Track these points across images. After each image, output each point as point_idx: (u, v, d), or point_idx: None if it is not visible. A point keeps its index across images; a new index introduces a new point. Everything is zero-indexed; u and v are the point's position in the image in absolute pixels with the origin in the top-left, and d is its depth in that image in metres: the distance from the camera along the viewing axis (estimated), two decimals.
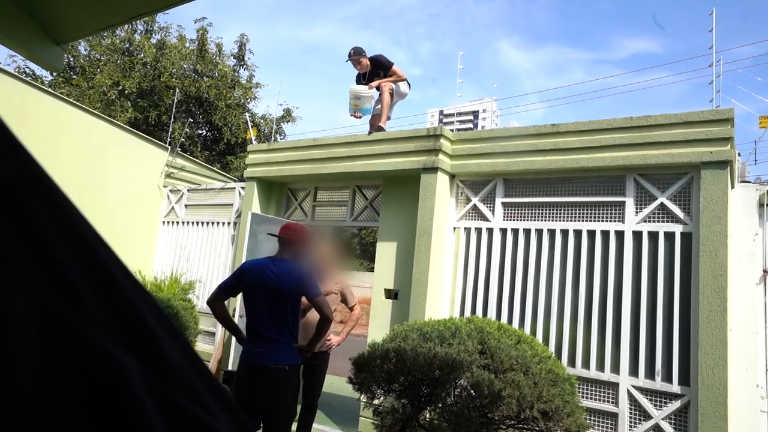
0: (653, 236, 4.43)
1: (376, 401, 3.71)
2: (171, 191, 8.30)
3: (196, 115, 14.20)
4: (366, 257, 32.95)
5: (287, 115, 15.63)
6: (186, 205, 8.09)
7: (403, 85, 6.15)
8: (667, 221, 4.40)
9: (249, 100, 15.29)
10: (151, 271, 7.91)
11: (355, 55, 6.01)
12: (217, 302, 3.41)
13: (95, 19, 3.94)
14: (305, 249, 3.68)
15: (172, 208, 8.21)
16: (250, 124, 8.21)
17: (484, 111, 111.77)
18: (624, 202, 4.57)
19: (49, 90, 7.52)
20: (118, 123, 8.29)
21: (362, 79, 6.16)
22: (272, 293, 3.27)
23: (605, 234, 4.61)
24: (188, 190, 8.13)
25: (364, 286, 27.03)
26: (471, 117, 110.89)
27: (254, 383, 3.29)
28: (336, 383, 8.21)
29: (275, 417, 3.33)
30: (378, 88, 5.99)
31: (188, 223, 7.97)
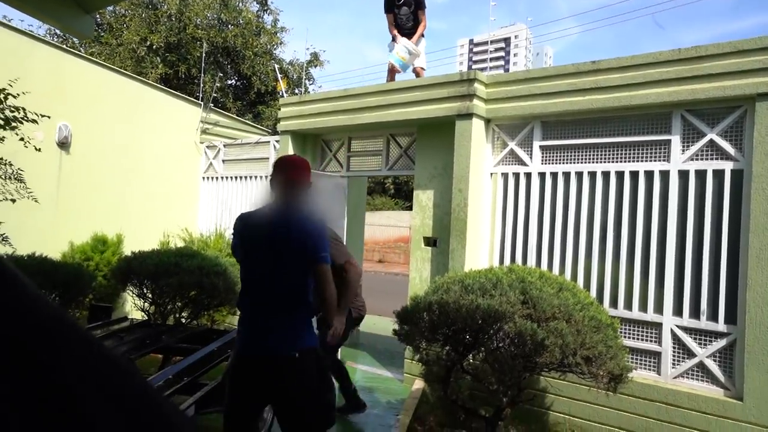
0: (701, 175, 4.24)
1: (419, 351, 3.83)
2: (208, 147, 8.41)
3: (225, 66, 14.09)
4: (400, 196, 33.07)
5: (315, 60, 15.32)
6: (223, 161, 8.20)
7: (423, 44, 6.40)
8: (717, 158, 4.19)
9: (275, 46, 15.01)
10: (196, 227, 8.18)
11: None
12: None
13: None
14: (308, 191, 2.69)
15: (211, 163, 8.34)
16: (279, 75, 8.09)
17: (516, 37, 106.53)
18: (670, 141, 4.36)
19: (84, 54, 7.57)
20: (152, 83, 8.33)
21: (393, 1, 6.15)
22: (279, 251, 2.50)
23: (649, 174, 4.45)
24: (224, 146, 8.22)
25: (400, 225, 27.36)
26: (503, 44, 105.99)
27: (259, 379, 2.46)
28: (379, 323, 8.50)
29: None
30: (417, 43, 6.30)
31: (227, 177, 8.11)
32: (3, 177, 3.68)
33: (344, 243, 4.09)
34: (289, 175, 2.62)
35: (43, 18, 4.88)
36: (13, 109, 3.67)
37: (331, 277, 2.60)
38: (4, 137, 3.72)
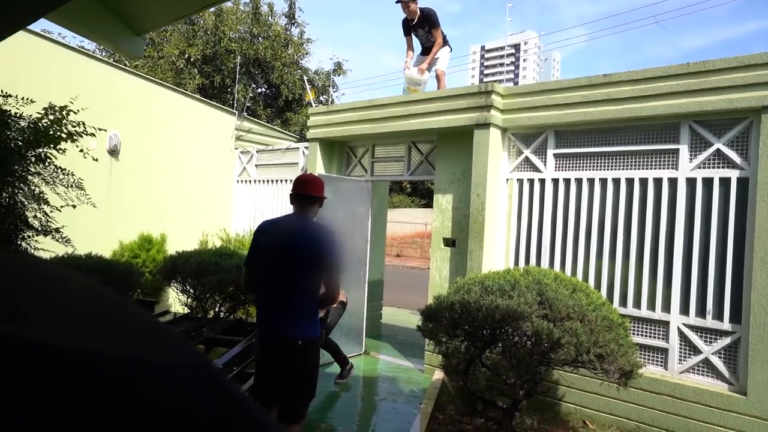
0: (707, 182, 4.19)
1: (441, 346, 3.86)
2: (242, 153, 8.53)
3: (256, 76, 14.23)
4: (417, 195, 33.03)
5: (338, 69, 15.37)
6: (256, 165, 8.31)
7: (446, 51, 6.32)
8: (723, 167, 4.14)
9: (302, 57, 15.10)
10: (231, 227, 8.32)
11: None
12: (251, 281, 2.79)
13: (172, 11, 3.97)
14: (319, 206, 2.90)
15: (244, 168, 8.47)
16: (308, 86, 8.18)
17: (525, 44, 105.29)
18: (678, 150, 4.32)
19: (129, 68, 7.73)
20: (190, 93, 8.47)
21: (409, 24, 6.21)
22: (287, 257, 2.64)
23: (658, 181, 4.41)
24: (257, 151, 8.33)
25: (417, 221, 27.34)
26: (512, 51, 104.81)
27: (273, 360, 2.74)
28: (398, 315, 8.56)
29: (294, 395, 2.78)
30: (431, 66, 6.23)
31: (259, 181, 8.22)
32: (66, 186, 3.81)
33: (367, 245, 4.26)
34: (302, 190, 2.80)
35: (97, 39, 5.01)
36: (74, 124, 3.79)
37: (336, 281, 2.74)
38: (66, 149, 3.85)
